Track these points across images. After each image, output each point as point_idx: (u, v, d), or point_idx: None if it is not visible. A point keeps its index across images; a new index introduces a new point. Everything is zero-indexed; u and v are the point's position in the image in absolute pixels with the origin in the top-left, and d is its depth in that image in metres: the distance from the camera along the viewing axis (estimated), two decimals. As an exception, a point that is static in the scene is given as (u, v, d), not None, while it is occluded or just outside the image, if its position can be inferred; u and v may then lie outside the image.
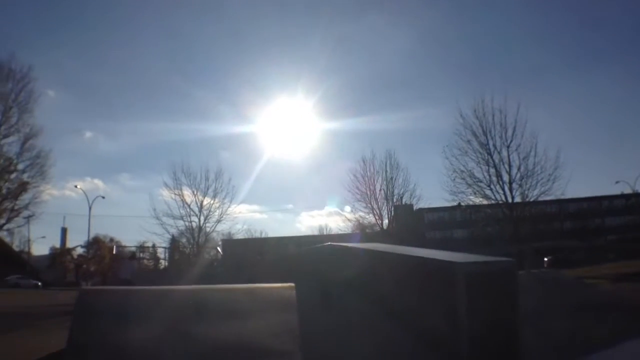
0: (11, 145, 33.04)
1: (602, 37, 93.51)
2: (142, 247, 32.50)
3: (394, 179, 36.26)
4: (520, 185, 27.59)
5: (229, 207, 35.83)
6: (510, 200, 27.89)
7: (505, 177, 27.96)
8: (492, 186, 28.10)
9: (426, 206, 38.84)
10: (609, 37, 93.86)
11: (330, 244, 7.01)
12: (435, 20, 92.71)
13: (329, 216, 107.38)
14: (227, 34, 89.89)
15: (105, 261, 66.70)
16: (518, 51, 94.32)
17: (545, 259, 39.46)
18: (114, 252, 47.09)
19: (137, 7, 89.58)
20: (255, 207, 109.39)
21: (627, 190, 65.08)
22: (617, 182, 65.65)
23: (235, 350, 5.21)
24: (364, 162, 36.76)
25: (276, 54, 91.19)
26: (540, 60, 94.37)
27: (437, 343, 5.72)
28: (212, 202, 35.47)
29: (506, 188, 27.84)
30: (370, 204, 35.99)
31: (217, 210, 35.52)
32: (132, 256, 25.08)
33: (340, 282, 6.42)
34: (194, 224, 35.00)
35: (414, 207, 41.40)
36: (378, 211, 36.03)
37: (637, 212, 74.83)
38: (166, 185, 35.78)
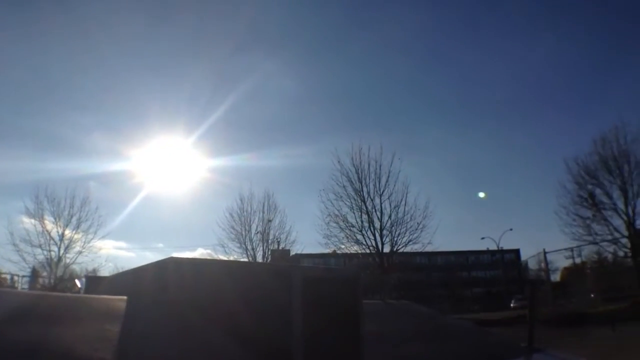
0: None
1: (474, 103, 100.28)
2: (-1, 276, 29.96)
3: (271, 221, 36.10)
4: (391, 232, 28.33)
5: (92, 238, 34.02)
6: (380, 246, 28.44)
7: (377, 224, 28.63)
8: (363, 231, 28.70)
9: (300, 251, 38.81)
10: (480, 103, 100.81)
11: (172, 257, 6.59)
12: (320, 65, 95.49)
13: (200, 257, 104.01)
14: (100, 63, 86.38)
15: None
16: (397, 105, 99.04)
17: None
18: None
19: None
20: (122, 243, 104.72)
21: (493, 247, 68.39)
22: (482, 239, 69.05)
23: (44, 355, 4.71)
24: (241, 200, 36.43)
25: (152, 85, 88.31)
26: (417, 118, 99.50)
27: (273, 352, 5.46)
28: (75, 231, 33.53)
29: (377, 234, 28.42)
30: (245, 244, 35.49)
31: (79, 242, 33.68)
32: None
33: (177, 295, 5.99)
34: (52, 254, 32.89)
35: (291, 253, 41.17)
36: (252, 252, 35.55)
37: (501, 267, 79.22)
38: (27, 209, 33.30)
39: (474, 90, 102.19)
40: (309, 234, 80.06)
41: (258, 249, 35.79)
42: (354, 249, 29.87)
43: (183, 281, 6.05)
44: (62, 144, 79.02)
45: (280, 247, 37.24)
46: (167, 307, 5.87)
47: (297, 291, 4.98)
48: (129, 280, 7.61)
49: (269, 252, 36.64)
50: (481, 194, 76.85)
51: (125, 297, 6.48)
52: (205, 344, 5.43)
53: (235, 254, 35.58)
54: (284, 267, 5.23)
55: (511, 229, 74.61)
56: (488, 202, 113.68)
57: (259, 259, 35.48)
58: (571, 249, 30.99)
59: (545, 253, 26.79)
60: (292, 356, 5.15)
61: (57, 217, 33.39)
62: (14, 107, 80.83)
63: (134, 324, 5.72)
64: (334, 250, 32.14)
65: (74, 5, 76.55)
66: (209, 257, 36.66)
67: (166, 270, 6.39)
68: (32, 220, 33.07)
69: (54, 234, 33.12)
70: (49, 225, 33.23)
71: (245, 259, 35.21)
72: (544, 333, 13.37)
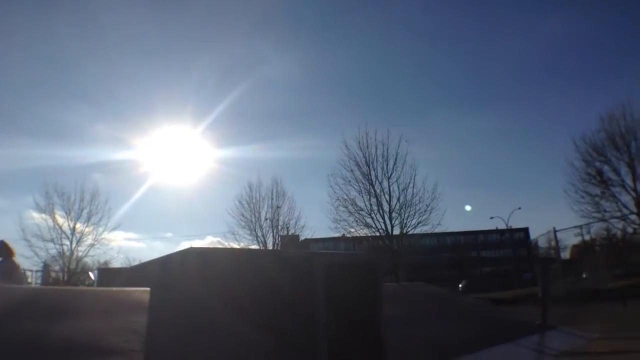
0: None
1: (479, 82, 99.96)
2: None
3: (280, 207, 36.29)
4: (400, 215, 28.37)
5: (103, 230, 34.44)
6: (390, 230, 28.50)
7: (386, 207, 28.68)
8: (372, 215, 28.71)
9: (310, 236, 38.89)
10: (485, 82, 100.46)
11: (191, 247, 6.73)
12: (325, 48, 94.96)
13: (211, 245, 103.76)
14: (105, 51, 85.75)
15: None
16: (403, 88, 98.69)
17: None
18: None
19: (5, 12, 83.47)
20: (132, 234, 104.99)
21: (502, 226, 68.33)
22: (492, 218, 69.03)
23: (78, 348, 4.85)
24: (250, 188, 36.67)
25: (160, 75, 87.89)
26: (424, 99, 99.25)
27: (296, 343, 5.60)
28: (85, 225, 33.94)
29: (386, 217, 28.49)
30: (255, 231, 35.70)
31: (91, 234, 34.11)
32: None
33: (201, 284, 6.13)
34: (65, 248, 33.31)
35: (300, 238, 41.29)
36: (263, 239, 35.76)
37: (510, 246, 79.36)
38: (37, 205, 33.67)
39: (480, 68, 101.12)
40: (318, 220, 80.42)
41: (268, 235, 36.01)
42: (364, 232, 29.98)
43: (204, 271, 6.17)
44: (67, 133, 78.57)
45: (289, 233, 37.35)
46: (190, 297, 6.01)
47: (319, 277, 5.11)
48: (151, 272, 7.75)
49: (279, 238, 36.80)
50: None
51: (148, 289, 6.61)
52: (228, 332, 5.56)
53: (245, 241, 35.83)
54: (306, 254, 5.34)
55: (520, 208, 74.74)
56: (496, 182, 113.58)
57: (269, 245, 35.70)
58: (580, 227, 30.86)
59: (555, 231, 26.79)
60: (317, 339, 5.29)
61: (67, 211, 33.84)
62: (18, 95, 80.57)
63: (159, 315, 5.86)
64: (344, 234, 32.26)
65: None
66: (219, 245, 36.87)
67: (187, 261, 6.53)
68: (43, 215, 33.49)
69: (65, 227, 33.59)
70: (60, 219, 33.66)
71: (256, 246, 35.44)
72: (556, 311, 13.49)
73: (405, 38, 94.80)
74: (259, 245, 35.50)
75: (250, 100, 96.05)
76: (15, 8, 71.37)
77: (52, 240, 33.03)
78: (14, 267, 12.82)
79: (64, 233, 33.44)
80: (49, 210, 33.51)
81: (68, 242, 33.42)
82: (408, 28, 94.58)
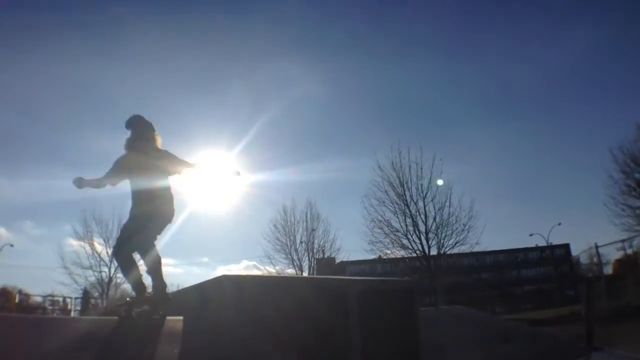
0: None
1: (513, 94, 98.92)
2: (52, 300, 31.00)
3: (315, 230, 36.16)
4: (437, 235, 28.01)
5: (141, 257, 34.83)
6: (427, 250, 28.13)
7: (422, 227, 28.34)
8: (408, 235, 28.39)
9: (346, 258, 38.70)
10: (519, 94, 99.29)
11: (225, 275, 6.67)
12: (350, 70, 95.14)
13: (246, 269, 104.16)
14: (139, 80, 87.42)
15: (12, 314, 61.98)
16: (434, 103, 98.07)
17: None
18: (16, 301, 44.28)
19: (43, 45, 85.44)
20: (169, 260, 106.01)
21: (541, 243, 66.93)
22: (531, 235, 67.49)
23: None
24: (284, 211, 36.65)
25: (194, 102, 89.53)
26: (456, 113, 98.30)
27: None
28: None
29: (423, 238, 28.13)
30: (291, 255, 35.61)
31: (129, 261, 34.46)
32: None
33: (235, 312, 6.05)
34: (104, 274, 33.73)
35: (336, 261, 41.08)
36: (298, 262, 35.66)
37: (551, 264, 77.62)
38: (76, 233, 34.34)
39: (512, 79, 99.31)
40: (354, 241, 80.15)
41: (304, 258, 35.89)
42: (400, 253, 29.70)
43: (238, 298, 6.09)
44: (104, 162, 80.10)
45: (325, 256, 37.20)
46: (223, 326, 5.93)
47: (354, 305, 4.99)
48: (184, 300, 7.69)
49: (315, 262, 36.66)
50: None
51: (181, 318, 6.55)
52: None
53: (281, 265, 35.81)
54: (340, 280, 5.24)
55: (559, 224, 72.86)
56: (534, 196, 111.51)
57: (305, 268, 35.62)
58: (622, 241, 29.93)
59: (597, 247, 26.00)
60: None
61: (105, 238, 34.37)
62: (55, 127, 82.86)
63: (193, 344, 5.80)
64: (380, 256, 31.96)
65: (115, 22, 78.62)
66: (255, 269, 36.93)
67: (220, 289, 6.46)
68: (82, 243, 34.05)
69: (103, 255, 34.07)
70: (98, 247, 34.19)
71: (292, 270, 35.39)
72: (600, 330, 13.06)
73: (434, 53, 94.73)
74: (294, 269, 35.46)
75: (282, 123, 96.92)
76: (52, 39, 73.64)
77: (90, 268, 33.69)
78: (169, 162, 6.97)
79: (103, 260, 33.96)
80: (87, 238, 34.19)
81: (107, 269, 33.91)
82: (436, 43, 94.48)
